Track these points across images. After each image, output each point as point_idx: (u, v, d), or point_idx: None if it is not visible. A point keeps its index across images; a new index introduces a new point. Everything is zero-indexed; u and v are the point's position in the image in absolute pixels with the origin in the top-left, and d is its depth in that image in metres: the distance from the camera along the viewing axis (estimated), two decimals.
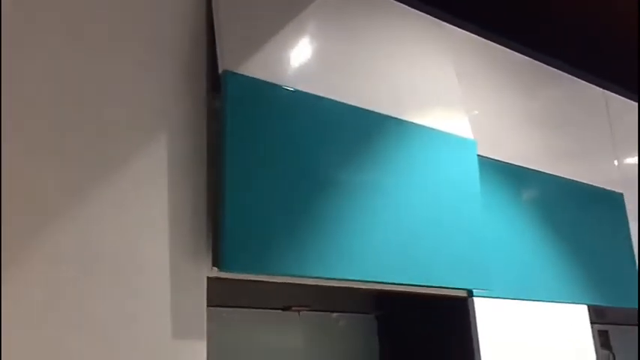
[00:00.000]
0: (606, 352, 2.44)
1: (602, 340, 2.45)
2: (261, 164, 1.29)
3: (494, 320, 1.64)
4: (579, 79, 2.23)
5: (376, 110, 1.52)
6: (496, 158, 1.82)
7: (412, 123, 1.59)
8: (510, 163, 1.86)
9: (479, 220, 1.63)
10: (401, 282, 1.46)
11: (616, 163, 2.25)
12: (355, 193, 1.43)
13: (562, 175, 2.00)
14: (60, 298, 1.01)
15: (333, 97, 1.44)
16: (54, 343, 0.99)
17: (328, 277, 1.34)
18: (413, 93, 1.64)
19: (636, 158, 2.37)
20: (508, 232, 1.78)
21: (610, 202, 2.16)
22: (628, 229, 2.15)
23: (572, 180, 2.04)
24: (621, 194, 2.19)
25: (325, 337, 1.80)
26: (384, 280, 1.43)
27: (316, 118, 1.41)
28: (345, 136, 1.45)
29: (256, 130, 1.30)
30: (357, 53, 1.55)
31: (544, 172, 1.95)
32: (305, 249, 1.31)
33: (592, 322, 1.95)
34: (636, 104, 2.46)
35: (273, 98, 1.35)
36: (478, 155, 1.73)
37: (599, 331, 2.43)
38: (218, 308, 1.53)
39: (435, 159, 1.61)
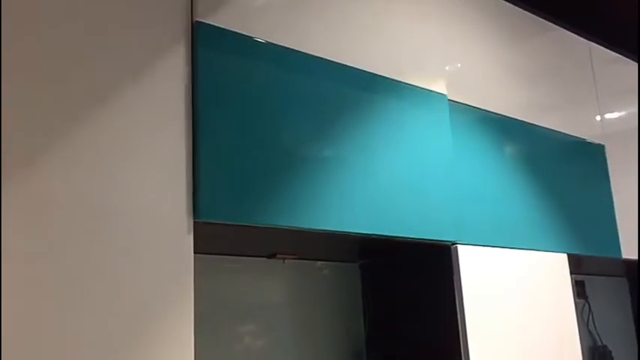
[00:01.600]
0: (582, 301, 2.51)
1: (579, 290, 2.51)
2: (236, 115, 1.28)
3: (476, 268, 1.66)
4: (565, 30, 2.22)
5: (351, 65, 1.51)
6: (479, 107, 1.81)
7: (386, 77, 1.58)
8: (493, 112, 1.86)
9: (452, 173, 1.66)
10: (380, 233, 1.47)
11: (598, 115, 2.27)
12: (332, 146, 1.44)
13: (544, 126, 2.01)
14: (44, 246, 1.00)
15: (307, 51, 1.43)
16: (40, 291, 0.98)
17: (306, 227, 1.35)
18: (388, 47, 1.62)
19: (620, 111, 2.38)
20: (490, 181, 1.79)
21: (591, 153, 2.19)
22: (609, 180, 2.18)
23: (554, 130, 2.05)
24: (602, 146, 2.21)
25: (309, 285, 1.82)
26: (363, 232, 1.44)
27: (290, 71, 1.40)
28: (321, 90, 1.45)
29: (230, 81, 1.29)
30: (330, 5, 1.52)
31: (526, 122, 1.96)
32: (282, 199, 1.31)
33: (569, 273, 1.99)
34: (618, 55, 2.47)
35: (247, 50, 1.34)
36: (462, 104, 1.74)
37: (576, 281, 2.50)
38: (204, 255, 1.53)
39: (409, 113, 1.62)
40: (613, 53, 2.44)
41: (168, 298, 1.10)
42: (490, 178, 1.79)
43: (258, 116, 1.33)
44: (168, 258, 1.12)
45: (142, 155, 1.14)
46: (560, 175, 2.02)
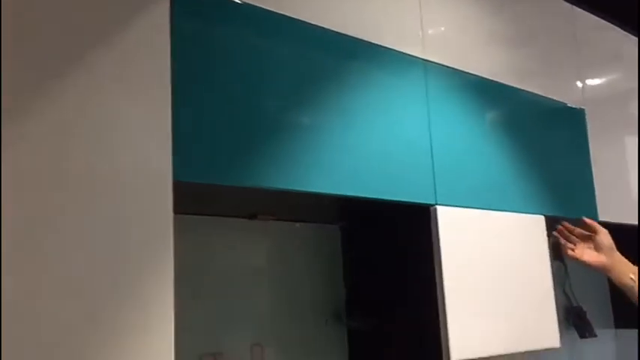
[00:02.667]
0: (559, 263, 2.56)
1: (556, 253, 2.56)
2: (215, 77, 1.28)
3: (455, 229, 1.68)
4: None
5: (328, 27, 1.50)
6: (459, 69, 1.81)
7: (363, 40, 1.58)
8: (473, 74, 1.86)
9: (431, 135, 1.67)
10: (359, 195, 1.48)
11: (579, 80, 2.28)
12: (311, 109, 1.44)
13: (525, 89, 2.02)
14: (29, 211, 0.99)
15: (285, 13, 1.42)
16: (23, 255, 0.98)
17: (286, 188, 1.35)
18: (366, 9, 1.61)
19: (601, 77, 2.39)
20: (469, 143, 1.80)
21: (571, 117, 2.20)
22: (587, 144, 2.20)
23: (535, 94, 2.06)
24: (583, 110, 2.23)
25: (290, 246, 1.83)
26: (342, 193, 1.45)
27: (269, 34, 1.39)
28: (299, 52, 1.44)
29: (208, 44, 1.28)
30: None
31: (506, 85, 1.97)
32: (262, 161, 1.32)
33: (547, 235, 2.01)
34: (601, 21, 2.46)
35: (225, 12, 1.32)
36: (442, 65, 1.75)
37: (553, 243, 2.54)
38: (185, 216, 1.53)
39: (386, 76, 1.62)
40: (596, 18, 2.44)
41: (148, 258, 1.10)
42: (469, 140, 1.80)
43: (237, 79, 1.32)
44: (148, 218, 1.12)
45: (123, 116, 1.12)
46: (539, 138, 2.03)
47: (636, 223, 2.21)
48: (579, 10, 2.34)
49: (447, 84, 1.78)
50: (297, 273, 1.82)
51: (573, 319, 2.57)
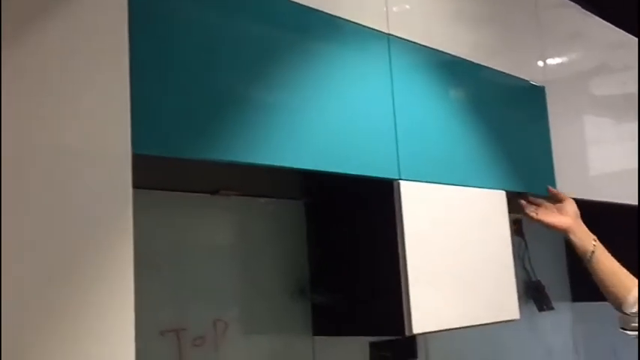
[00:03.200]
0: (519, 238, 2.62)
1: (516, 228, 2.61)
2: (173, 49, 1.25)
3: (418, 204, 1.69)
4: None
5: None
6: (423, 44, 1.81)
7: (325, 12, 1.56)
8: (437, 50, 1.86)
9: (394, 110, 1.67)
10: (322, 169, 1.47)
11: (541, 59, 2.30)
12: (272, 83, 1.41)
13: (488, 66, 2.03)
14: None
15: None
16: None
17: (249, 162, 1.33)
18: None
19: (562, 56, 2.42)
20: (433, 118, 1.81)
21: (532, 94, 2.23)
22: (547, 121, 2.23)
23: (498, 71, 2.07)
24: (543, 87, 2.26)
25: (254, 221, 1.82)
26: (305, 167, 1.44)
27: (228, 5, 1.36)
28: (259, 25, 1.41)
29: (166, 15, 1.25)
30: None
31: (470, 61, 1.97)
32: (224, 134, 1.29)
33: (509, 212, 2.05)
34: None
35: None
36: (405, 40, 1.75)
37: (514, 219, 2.59)
38: (145, 190, 1.51)
39: (348, 50, 1.60)
40: None
41: (106, 233, 1.08)
42: (433, 116, 1.81)
43: (196, 51, 1.28)
44: (106, 192, 1.10)
45: (78, 88, 1.09)
46: (501, 114, 2.05)
47: (592, 198, 2.26)
48: None
49: (410, 59, 1.77)
50: (260, 249, 1.82)
51: (532, 292, 2.64)
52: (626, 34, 2.81)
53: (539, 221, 1.74)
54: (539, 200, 1.85)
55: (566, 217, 1.68)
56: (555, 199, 1.78)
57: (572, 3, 2.55)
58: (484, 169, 1.94)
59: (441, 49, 1.88)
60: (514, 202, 2.03)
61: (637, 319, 1.54)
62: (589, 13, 2.64)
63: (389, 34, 1.71)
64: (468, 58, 1.96)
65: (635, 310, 1.55)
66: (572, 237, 1.66)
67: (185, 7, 1.29)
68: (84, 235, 1.05)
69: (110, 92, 1.13)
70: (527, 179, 2.08)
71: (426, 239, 1.70)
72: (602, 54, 2.70)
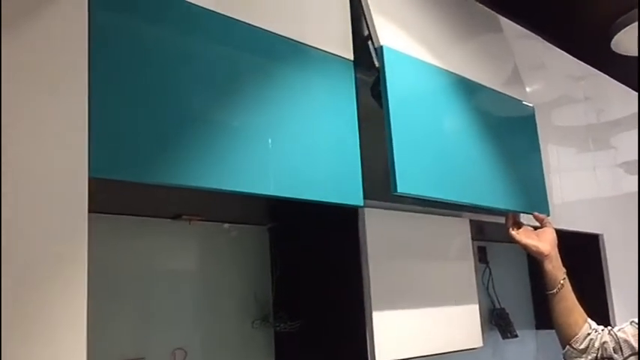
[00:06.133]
0: (483, 265, 2.63)
1: (481, 255, 2.63)
2: (135, 71, 1.23)
3: (382, 231, 1.69)
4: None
5: (253, 24, 1.46)
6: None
7: (290, 39, 1.55)
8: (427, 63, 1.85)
9: (355, 138, 1.64)
10: (287, 196, 1.46)
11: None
12: (237, 107, 1.40)
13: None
14: None
15: (207, 7, 1.37)
16: None
17: (211, 187, 1.31)
18: (293, 7, 1.58)
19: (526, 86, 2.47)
20: None
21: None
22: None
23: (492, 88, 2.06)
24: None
25: (216, 247, 1.79)
26: (269, 194, 1.42)
27: (191, 28, 1.35)
28: (224, 49, 1.40)
29: (127, 36, 1.23)
30: None
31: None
32: (186, 159, 1.27)
33: (472, 239, 2.06)
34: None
35: (144, 4, 1.27)
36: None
37: (478, 247, 2.61)
38: (104, 215, 1.48)
39: (313, 77, 1.59)
40: (521, 28, 2.51)
41: (59, 260, 1.04)
42: None
43: (158, 74, 1.26)
44: (61, 216, 1.06)
45: (35, 108, 1.06)
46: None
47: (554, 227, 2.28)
48: (505, 19, 2.40)
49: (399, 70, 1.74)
50: (222, 275, 1.79)
51: (496, 320, 2.65)
52: (588, 66, 2.89)
53: (519, 242, 1.73)
54: (521, 222, 1.85)
55: (546, 244, 1.68)
56: (540, 223, 1.79)
57: (534, 35, 2.61)
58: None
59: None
60: (479, 229, 2.04)
61: (582, 355, 1.56)
62: (551, 46, 2.70)
63: (354, 61, 1.72)
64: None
65: (583, 346, 1.57)
66: (546, 265, 1.65)
67: (146, 29, 1.27)
68: (34, 261, 1.02)
69: (67, 113, 1.10)
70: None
71: (389, 266, 1.70)
72: (564, 85, 2.77)
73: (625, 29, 2.99)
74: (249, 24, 1.45)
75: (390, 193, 1.57)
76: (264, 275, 1.88)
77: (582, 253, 2.43)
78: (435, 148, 1.73)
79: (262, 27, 1.48)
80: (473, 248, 2.02)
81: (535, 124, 2.22)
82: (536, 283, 2.91)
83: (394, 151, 1.56)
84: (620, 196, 2.99)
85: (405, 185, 1.56)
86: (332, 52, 1.66)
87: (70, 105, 1.11)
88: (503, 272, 2.77)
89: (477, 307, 1.97)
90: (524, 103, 2.21)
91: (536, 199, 2.10)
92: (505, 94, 2.11)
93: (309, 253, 1.82)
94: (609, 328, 1.60)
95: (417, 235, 1.81)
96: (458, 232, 1.97)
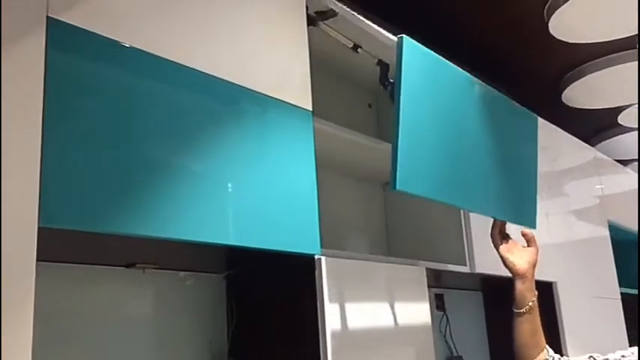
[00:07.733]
0: (440, 313, 2.64)
1: (438, 303, 2.64)
2: (89, 118, 1.23)
3: (339, 280, 1.69)
4: None
5: (214, 74, 1.48)
6: None
7: (250, 89, 1.57)
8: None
9: (312, 186, 1.66)
10: (243, 245, 1.45)
11: None
12: (195, 156, 1.40)
13: None
14: None
15: (163, 55, 1.38)
16: None
17: (166, 237, 1.30)
18: (251, 59, 1.61)
19: None
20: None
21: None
22: None
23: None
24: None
25: (171, 296, 1.76)
26: (225, 242, 1.42)
27: (150, 77, 1.36)
28: (183, 98, 1.41)
29: (83, 83, 1.23)
30: (192, 9, 1.47)
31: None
32: (140, 207, 1.27)
33: (429, 286, 2.07)
34: None
35: (102, 51, 1.27)
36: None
37: (435, 294, 2.63)
38: (54, 264, 1.44)
39: (273, 127, 1.61)
40: None
41: (6, 306, 1.02)
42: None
43: (112, 121, 1.26)
44: (8, 265, 1.04)
45: None
46: None
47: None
48: None
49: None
50: (177, 324, 1.75)
51: None
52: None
53: (498, 252, 1.72)
54: (507, 234, 1.83)
55: (524, 263, 1.68)
56: (527, 243, 1.78)
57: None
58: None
59: None
60: (436, 276, 2.05)
61: None
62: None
63: (313, 111, 1.75)
64: None
65: None
66: (518, 283, 1.64)
67: (101, 77, 1.27)
68: None
69: (19, 161, 1.09)
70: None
71: (346, 315, 1.69)
72: None
73: (574, 84, 3.12)
74: (209, 74, 1.47)
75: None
76: (219, 324, 1.85)
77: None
78: (439, 150, 1.69)
79: (222, 77, 1.50)
80: (430, 296, 2.02)
81: (536, 136, 2.14)
82: (493, 330, 2.93)
83: (398, 148, 1.52)
84: (573, 242, 3.06)
85: (404, 183, 1.53)
86: (291, 102, 1.68)
87: (23, 153, 1.10)
88: (461, 319, 2.78)
89: (432, 353, 1.96)
90: (528, 111, 2.13)
91: (526, 211, 2.05)
92: (512, 101, 2.06)
93: (266, 301, 1.81)
94: (566, 357, 1.61)
95: (373, 283, 1.82)
96: (414, 279, 1.98)
